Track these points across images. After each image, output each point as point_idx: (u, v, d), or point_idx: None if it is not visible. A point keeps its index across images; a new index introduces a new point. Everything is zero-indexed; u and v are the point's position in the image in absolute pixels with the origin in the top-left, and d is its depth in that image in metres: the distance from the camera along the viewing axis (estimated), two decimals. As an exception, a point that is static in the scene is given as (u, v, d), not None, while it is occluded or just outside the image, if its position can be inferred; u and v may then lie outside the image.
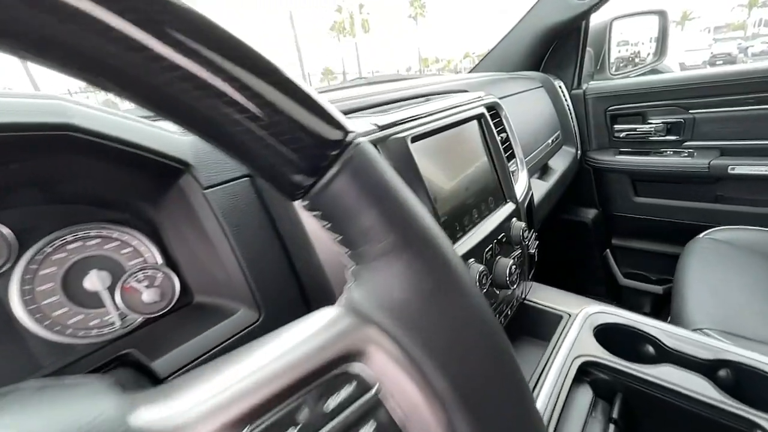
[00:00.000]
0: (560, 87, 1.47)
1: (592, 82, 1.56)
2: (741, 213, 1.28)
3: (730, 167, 1.25)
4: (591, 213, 1.62)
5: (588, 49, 1.57)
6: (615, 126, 1.49)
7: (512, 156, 0.82)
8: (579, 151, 1.51)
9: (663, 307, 1.49)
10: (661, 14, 1.55)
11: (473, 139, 0.70)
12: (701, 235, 1.17)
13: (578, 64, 1.52)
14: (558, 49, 1.54)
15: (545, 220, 1.21)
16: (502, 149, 0.73)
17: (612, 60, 1.62)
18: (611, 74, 1.60)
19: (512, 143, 0.82)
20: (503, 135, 0.79)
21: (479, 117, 0.71)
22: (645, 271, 1.60)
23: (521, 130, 1.03)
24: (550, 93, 1.41)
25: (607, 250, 1.66)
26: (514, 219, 0.72)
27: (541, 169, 1.22)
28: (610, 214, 1.60)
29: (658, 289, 1.52)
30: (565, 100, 1.47)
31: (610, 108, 1.47)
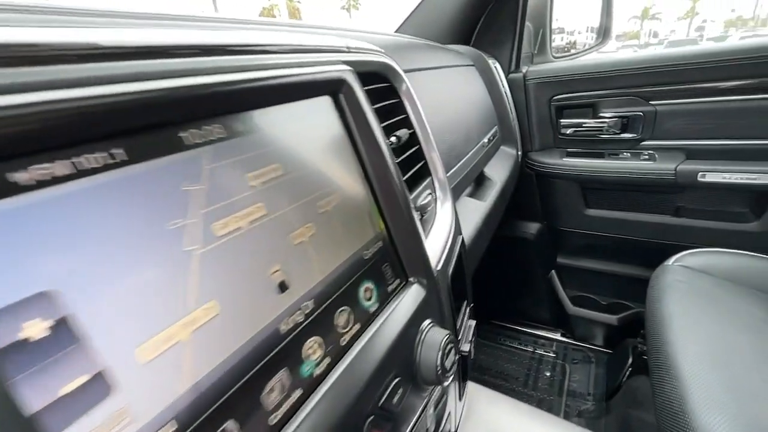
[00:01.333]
0: (495, 68, 1.12)
1: (532, 66, 1.24)
2: (712, 230, 1.04)
3: (700, 174, 0.99)
4: (533, 227, 1.32)
5: (527, 23, 1.25)
6: (561, 120, 1.19)
7: (425, 173, 0.42)
8: (520, 152, 1.18)
9: (619, 341, 1.24)
10: (608, -15, 1.28)
11: (322, 144, 0.28)
12: (670, 261, 0.90)
13: (516, 40, 1.19)
14: (491, 19, 1.20)
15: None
16: (394, 164, 0.33)
17: (554, 41, 1.32)
18: (553, 56, 1.31)
19: (422, 147, 0.41)
20: (403, 132, 0.38)
21: (335, 88, 0.29)
22: (594, 294, 1.34)
23: (444, 123, 0.64)
24: (484, 74, 1.06)
25: (553, 272, 1.38)
26: (427, 323, 0.32)
27: (474, 182, 0.85)
28: (557, 230, 1.31)
29: (611, 319, 1.27)
30: (502, 85, 1.13)
31: (556, 97, 1.16)
